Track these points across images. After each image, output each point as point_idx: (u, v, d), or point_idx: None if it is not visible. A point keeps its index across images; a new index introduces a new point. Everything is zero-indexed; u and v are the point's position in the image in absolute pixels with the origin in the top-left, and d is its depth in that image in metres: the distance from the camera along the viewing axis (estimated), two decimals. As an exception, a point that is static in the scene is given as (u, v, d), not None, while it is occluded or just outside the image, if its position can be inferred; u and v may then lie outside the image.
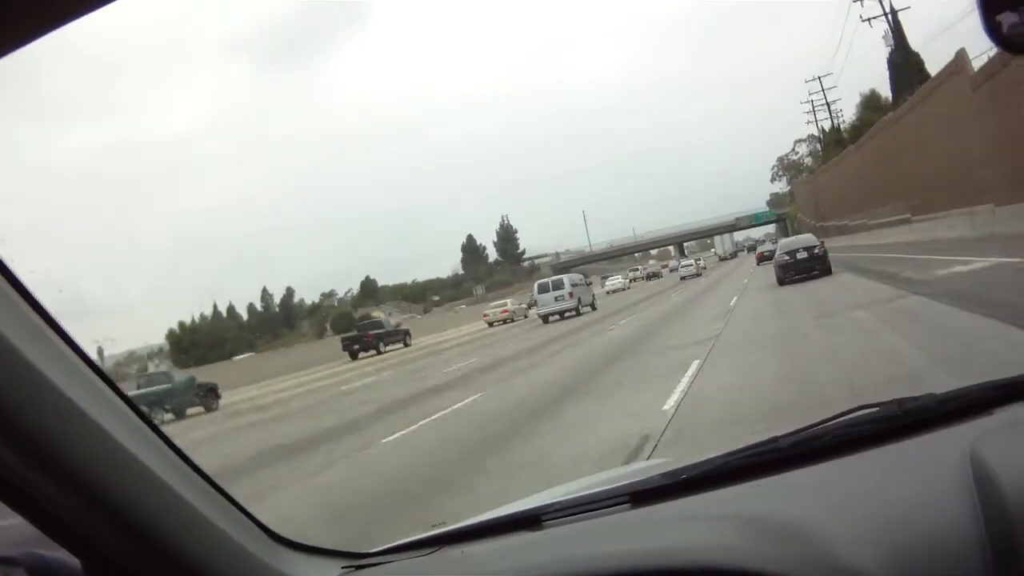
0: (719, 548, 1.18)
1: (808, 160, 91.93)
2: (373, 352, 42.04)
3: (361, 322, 51.34)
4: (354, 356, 42.15)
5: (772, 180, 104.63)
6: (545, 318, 35.98)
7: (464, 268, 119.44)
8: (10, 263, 0.98)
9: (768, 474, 1.37)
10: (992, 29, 1.03)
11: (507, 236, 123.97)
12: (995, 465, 1.06)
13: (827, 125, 71.79)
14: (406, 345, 43.95)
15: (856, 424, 1.42)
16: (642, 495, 1.45)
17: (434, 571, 1.43)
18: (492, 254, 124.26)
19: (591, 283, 43.90)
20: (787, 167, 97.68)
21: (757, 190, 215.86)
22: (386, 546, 1.54)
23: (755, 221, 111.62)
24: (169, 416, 23.77)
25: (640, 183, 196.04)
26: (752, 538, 1.17)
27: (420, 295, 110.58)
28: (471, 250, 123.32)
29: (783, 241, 28.03)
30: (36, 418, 0.96)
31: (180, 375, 28.06)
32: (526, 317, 47.09)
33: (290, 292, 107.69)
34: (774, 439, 1.45)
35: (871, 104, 55.61)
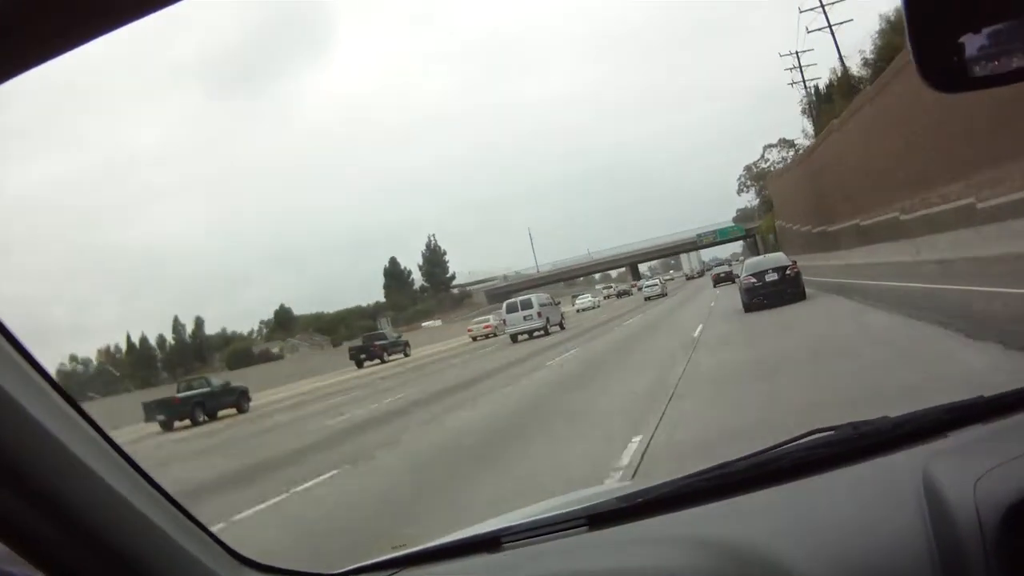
0: (675, 570, 1.19)
1: (780, 167, 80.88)
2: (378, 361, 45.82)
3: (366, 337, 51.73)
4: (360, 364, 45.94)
5: (739, 192, 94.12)
6: (514, 337, 35.98)
7: (387, 295, 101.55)
8: None
9: (724, 497, 1.38)
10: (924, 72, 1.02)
11: (434, 259, 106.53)
12: (946, 487, 1.08)
13: (816, 86, 53.17)
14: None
15: (812, 447, 1.44)
16: (599, 518, 1.46)
17: None
18: (421, 279, 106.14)
19: (559, 303, 44.04)
20: (756, 176, 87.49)
21: (721, 205, 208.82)
22: (348, 568, 1.54)
23: (719, 237, 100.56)
24: (202, 418, 26.37)
25: (593, 201, 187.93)
26: (707, 560, 1.19)
27: (336, 326, 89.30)
28: (395, 275, 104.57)
29: (749, 261, 24.76)
30: (8, 444, 0.96)
31: (217, 380, 30.08)
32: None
33: (199, 322, 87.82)
34: (730, 463, 1.46)
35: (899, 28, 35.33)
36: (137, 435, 24.68)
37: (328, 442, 12.78)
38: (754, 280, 20.93)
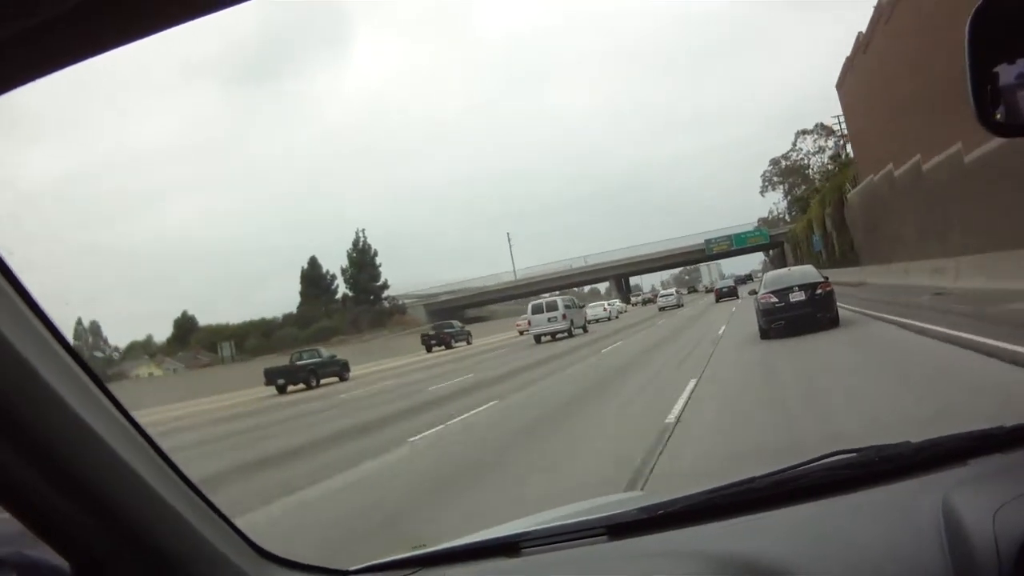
0: None
1: (818, 160, 63.76)
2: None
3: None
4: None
5: (763, 191, 75.58)
6: (538, 338, 36.23)
7: (303, 303, 77.22)
8: (12, 264, 1.00)
9: (745, 513, 1.38)
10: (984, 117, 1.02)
11: (362, 260, 79.42)
12: (966, 515, 1.09)
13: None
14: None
15: (834, 468, 1.44)
16: (619, 528, 1.46)
17: None
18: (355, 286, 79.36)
19: (584, 306, 44.61)
20: (786, 172, 70.72)
21: (742, 209, 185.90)
22: (367, 564, 1.56)
23: (735, 245, 76.53)
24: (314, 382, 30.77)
25: (576, 202, 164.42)
26: (726, 575, 1.19)
27: (243, 337, 68.48)
28: (313, 280, 78.78)
29: (769, 275, 18.83)
30: (33, 419, 0.98)
31: (326, 352, 34.97)
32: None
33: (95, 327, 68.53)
34: (752, 479, 1.46)
35: None
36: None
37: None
38: (775, 299, 16.07)
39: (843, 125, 49.99)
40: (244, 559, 1.28)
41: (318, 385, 30.47)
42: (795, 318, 15.62)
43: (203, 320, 73.90)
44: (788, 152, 70.53)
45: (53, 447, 1.00)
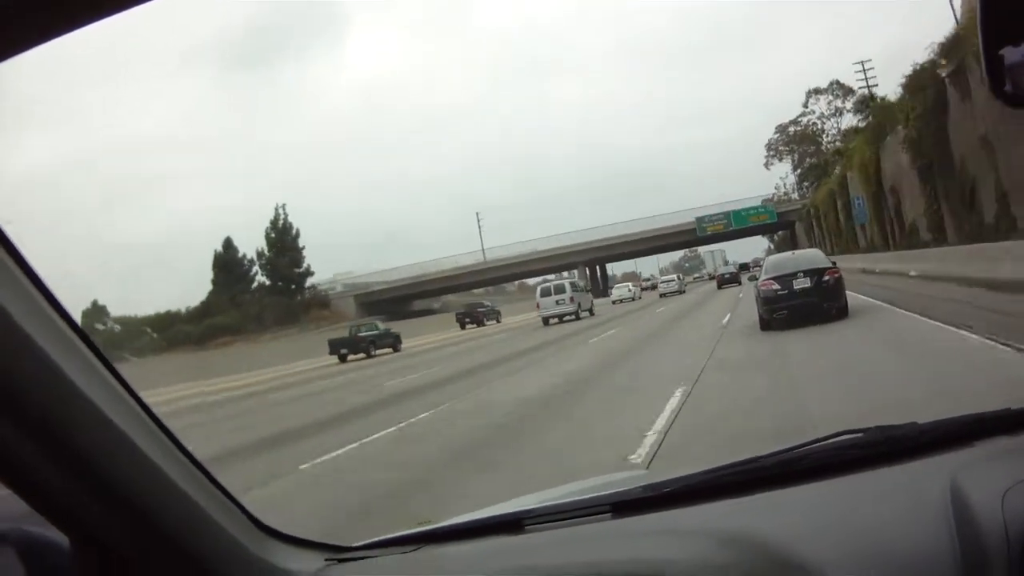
0: (698, 563, 1.19)
1: (834, 125, 53.86)
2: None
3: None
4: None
5: (767, 163, 64.42)
6: (546, 320, 37.00)
7: (213, 292, 64.21)
8: (16, 241, 1.00)
9: (750, 492, 1.38)
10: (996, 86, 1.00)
11: (282, 242, 66.23)
12: (974, 497, 1.08)
13: None
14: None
15: (840, 448, 1.44)
16: (623, 506, 1.46)
17: (416, 569, 1.44)
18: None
19: (590, 289, 45.89)
20: (795, 139, 60.50)
21: (743, 182, 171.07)
22: (369, 540, 1.56)
23: (733, 224, 62.82)
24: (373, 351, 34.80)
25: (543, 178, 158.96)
26: (732, 554, 1.19)
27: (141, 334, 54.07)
28: (228, 266, 65.40)
29: (771, 259, 17.62)
30: (33, 392, 0.97)
31: (382, 325, 39.74)
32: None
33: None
34: (758, 458, 1.46)
35: None
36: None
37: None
38: (776, 286, 14.75)
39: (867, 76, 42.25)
40: (245, 534, 1.28)
41: (374, 355, 34.32)
42: (798, 307, 14.38)
43: (119, 311, 59.22)
44: (798, 116, 60.14)
45: (52, 420, 0.99)
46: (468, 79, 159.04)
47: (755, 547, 1.18)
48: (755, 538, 1.20)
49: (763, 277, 15.44)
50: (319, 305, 67.28)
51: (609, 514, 1.46)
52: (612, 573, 1.23)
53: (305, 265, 67.55)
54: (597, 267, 78.28)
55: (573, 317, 36.69)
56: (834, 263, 15.52)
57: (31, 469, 1.01)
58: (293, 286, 67.01)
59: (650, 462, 6.08)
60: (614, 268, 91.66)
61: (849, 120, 54.67)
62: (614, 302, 52.62)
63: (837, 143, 53.03)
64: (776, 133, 62.23)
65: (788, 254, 18.37)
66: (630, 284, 60.06)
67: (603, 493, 1.54)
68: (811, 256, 16.39)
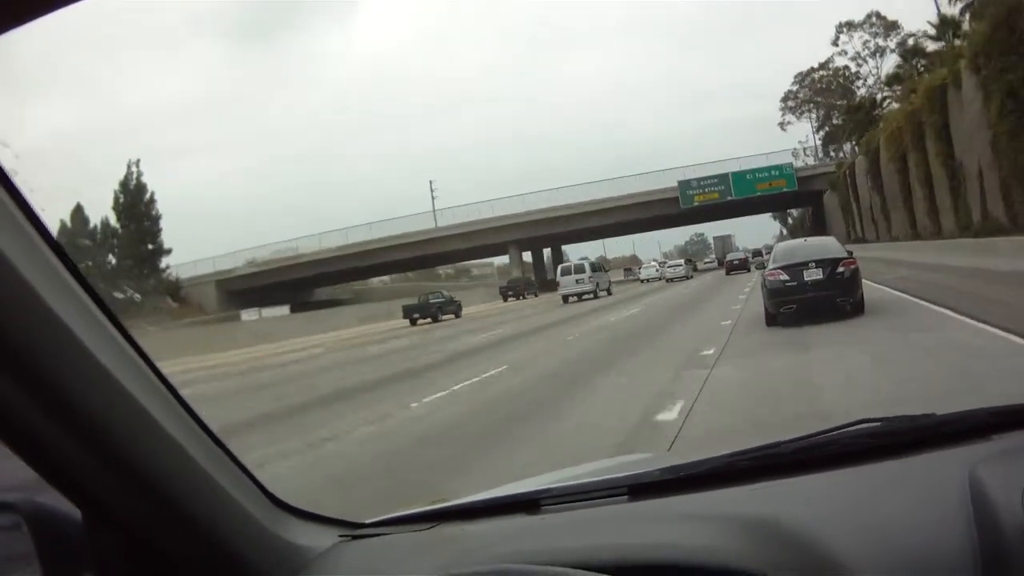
0: (715, 548, 1.18)
1: (875, 66, 40.71)
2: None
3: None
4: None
5: (783, 124, 50.56)
6: (565, 298, 39.01)
7: None
8: (26, 193, 0.97)
9: (768, 478, 1.38)
10: None
11: (132, 208, 51.84)
12: (993, 490, 1.08)
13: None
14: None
15: (859, 436, 1.44)
16: (641, 488, 1.45)
17: (430, 547, 1.44)
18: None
19: (608, 270, 48.30)
20: (821, 91, 46.63)
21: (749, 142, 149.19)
22: (383, 517, 1.56)
23: (733, 193, 47.46)
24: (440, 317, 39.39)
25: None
26: (748, 540, 1.18)
27: None
28: (72, 239, 48.14)
29: (780, 246, 16.05)
30: (45, 358, 0.96)
31: (446, 293, 44.62)
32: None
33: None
34: (777, 444, 1.45)
35: None
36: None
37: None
38: (785, 277, 13.12)
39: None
40: (258, 508, 1.28)
41: (440, 320, 39.14)
42: (808, 300, 12.87)
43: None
44: (826, 61, 45.61)
45: (62, 386, 0.98)
46: (461, 60, 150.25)
47: (773, 533, 1.17)
48: (773, 525, 1.20)
49: (771, 266, 13.96)
50: (168, 293, 51.68)
51: (626, 496, 1.45)
52: (628, 556, 1.22)
53: (160, 242, 52.01)
54: (544, 251, 61.10)
55: (591, 296, 38.88)
56: (850, 252, 13.91)
57: (41, 438, 1.00)
58: (145, 269, 51.26)
59: (671, 444, 6.13)
60: (589, 250, 70.92)
61: (891, 64, 42.71)
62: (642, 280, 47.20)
63: (884, 90, 41.42)
64: (795, 84, 48.11)
65: (800, 241, 16.85)
66: (655, 263, 53.14)
67: (621, 475, 1.53)
68: (823, 244, 14.84)
